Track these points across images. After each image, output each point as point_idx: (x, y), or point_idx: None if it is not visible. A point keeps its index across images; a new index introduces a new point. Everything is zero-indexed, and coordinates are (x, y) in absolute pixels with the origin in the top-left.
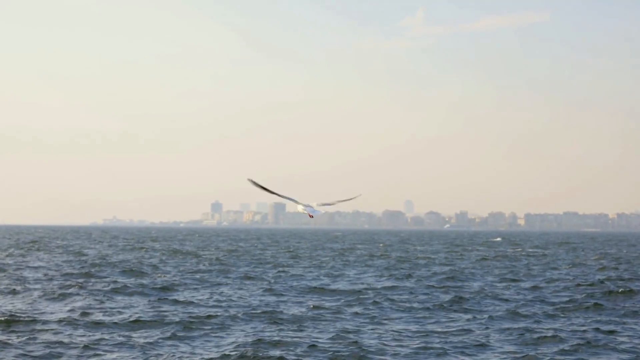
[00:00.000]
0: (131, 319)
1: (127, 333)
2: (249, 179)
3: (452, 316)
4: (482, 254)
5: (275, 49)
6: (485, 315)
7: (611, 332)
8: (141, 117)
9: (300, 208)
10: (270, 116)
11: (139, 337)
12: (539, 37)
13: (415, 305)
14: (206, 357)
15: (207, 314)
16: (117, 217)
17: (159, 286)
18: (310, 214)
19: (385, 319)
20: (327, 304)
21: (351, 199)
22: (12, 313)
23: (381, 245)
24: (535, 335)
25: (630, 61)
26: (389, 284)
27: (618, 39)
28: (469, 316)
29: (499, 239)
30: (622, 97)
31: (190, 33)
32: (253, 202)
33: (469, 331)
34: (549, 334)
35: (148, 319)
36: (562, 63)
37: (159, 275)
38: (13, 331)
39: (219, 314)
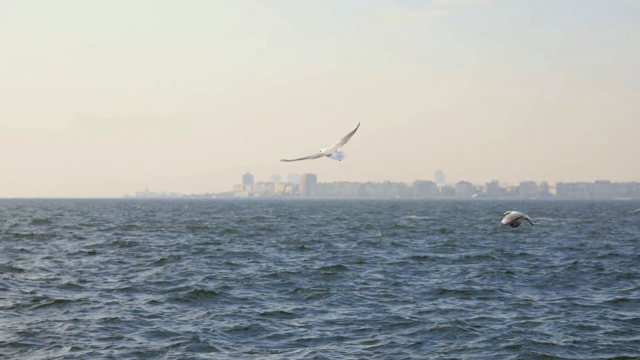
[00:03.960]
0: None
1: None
2: (281, 159)
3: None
4: None
5: (305, 23)
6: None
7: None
8: (172, 93)
9: (329, 152)
10: (301, 89)
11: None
12: None
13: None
14: None
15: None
16: (148, 189)
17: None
18: (338, 159)
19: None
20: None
21: (355, 129)
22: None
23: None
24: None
25: None
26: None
27: None
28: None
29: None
30: None
31: (220, 8)
32: (284, 173)
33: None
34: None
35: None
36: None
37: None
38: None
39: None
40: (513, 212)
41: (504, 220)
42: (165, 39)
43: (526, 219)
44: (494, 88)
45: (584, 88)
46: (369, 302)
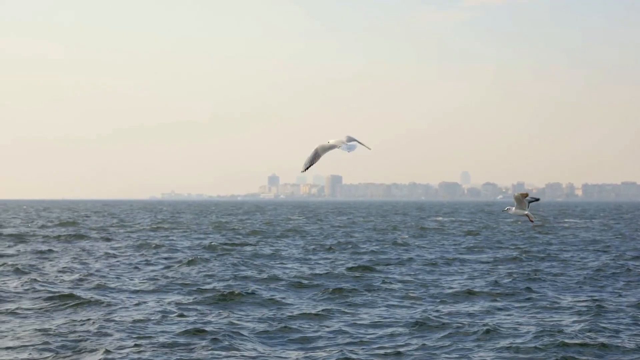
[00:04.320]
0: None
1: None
2: (302, 171)
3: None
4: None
5: (330, 24)
6: None
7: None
8: (199, 98)
9: (338, 144)
10: (326, 91)
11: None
12: None
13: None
14: None
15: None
16: (174, 191)
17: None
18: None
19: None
20: None
21: (362, 144)
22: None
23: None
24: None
25: None
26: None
27: None
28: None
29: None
30: None
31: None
32: (309, 175)
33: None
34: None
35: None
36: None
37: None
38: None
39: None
40: (516, 209)
41: (511, 211)
42: (191, 44)
43: (527, 215)
44: (516, 88)
45: (606, 87)
46: (396, 303)
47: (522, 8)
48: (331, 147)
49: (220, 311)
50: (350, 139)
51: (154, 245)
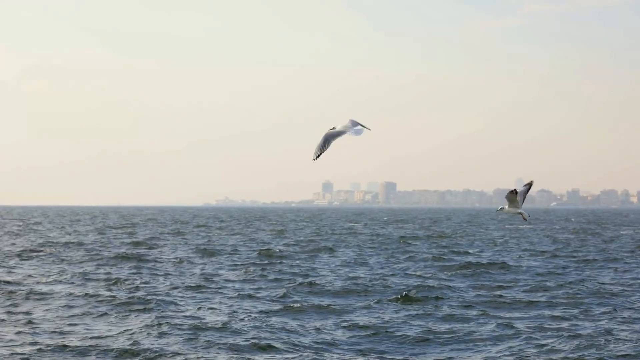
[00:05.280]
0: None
1: None
2: (313, 159)
3: None
4: None
5: (388, 32)
6: None
7: None
8: (259, 106)
9: (345, 129)
10: (381, 96)
11: None
12: None
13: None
14: None
15: None
16: (228, 197)
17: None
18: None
19: None
20: None
21: (365, 127)
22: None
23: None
24: None
25: None
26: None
27: None
28: None
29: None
30: None
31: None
32: (364, 181)
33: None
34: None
35: None
36: None
37: None
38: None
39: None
40: (509, 208)
41: (505, 209)
42: (246, 56)
43: (521, 213)
44: (569, 93)
45: None
46: (453, 313)
47: (577, 14)
48: (339, 133)
49: (281, 319)
50: (355, 123)
51: (209, 252)
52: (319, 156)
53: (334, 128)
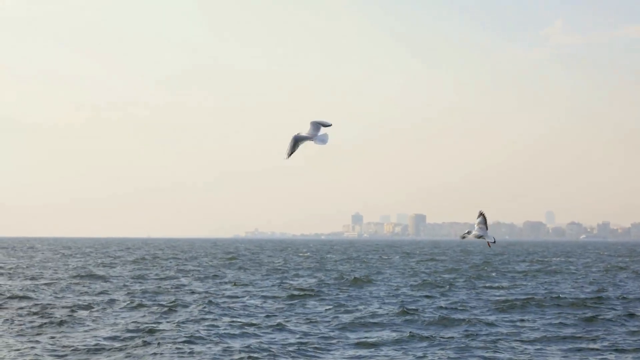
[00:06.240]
0: None
1: None
2: (285, 159)
3: None
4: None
5: (421, 60)
6: None
7: None
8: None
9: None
10: (410, 126)
11: None
12: None
13: None
14: None
15: None
16: (258, 229)
17: None
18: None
19: None
20: None
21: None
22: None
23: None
24: None
25: None
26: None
27: None
28: None
29: None
30: None
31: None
32: (393, 213)
33: None
34: None
35: None
36: None
37: None
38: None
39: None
40: (476, 232)
41: (471, 234)
42: (298, 88)
43: (482, 237)
44: (598, 124)
45: None
46: (495, 346)
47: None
48: (305, 138)
49: (319, 355)
50: (317, 126)
51: (242, 283)
52: (290, 155)
53: (300, 134)
